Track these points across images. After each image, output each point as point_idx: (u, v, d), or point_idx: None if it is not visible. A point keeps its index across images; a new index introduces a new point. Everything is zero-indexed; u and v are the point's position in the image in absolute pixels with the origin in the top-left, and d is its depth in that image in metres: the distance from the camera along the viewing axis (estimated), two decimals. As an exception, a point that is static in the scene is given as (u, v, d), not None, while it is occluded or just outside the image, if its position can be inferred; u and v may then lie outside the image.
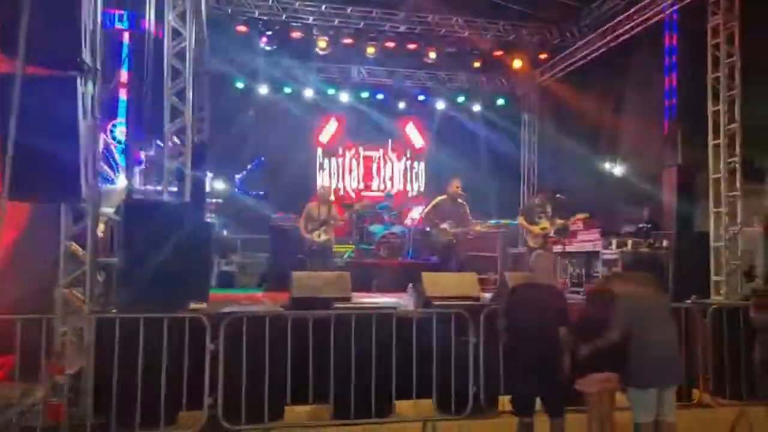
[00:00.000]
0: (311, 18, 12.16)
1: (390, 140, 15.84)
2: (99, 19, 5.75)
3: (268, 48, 12.30)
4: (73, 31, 5.17)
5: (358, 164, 15.73)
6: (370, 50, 12.51)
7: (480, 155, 15.59)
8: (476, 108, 15.61)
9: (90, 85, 5.61)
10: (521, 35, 13.10)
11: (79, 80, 5.23)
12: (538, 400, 4.93)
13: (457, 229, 9.04)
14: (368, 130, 15.44)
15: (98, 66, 5.66)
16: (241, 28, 11.98)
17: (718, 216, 9.04)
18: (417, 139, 16.08)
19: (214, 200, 12.13)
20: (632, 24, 11.46)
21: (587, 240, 11.49)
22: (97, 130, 5.95)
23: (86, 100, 5.47)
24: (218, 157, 12.55)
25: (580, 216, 9.59)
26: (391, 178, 15.87)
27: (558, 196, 9.59)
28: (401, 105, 15.40)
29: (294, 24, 12.15)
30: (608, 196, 13.70)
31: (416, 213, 14.19)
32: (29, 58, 4.85)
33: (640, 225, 11.15)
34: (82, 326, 6.00)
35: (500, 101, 15.57)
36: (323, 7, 12.11)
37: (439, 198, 9.44)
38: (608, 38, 12.21)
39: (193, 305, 7.08)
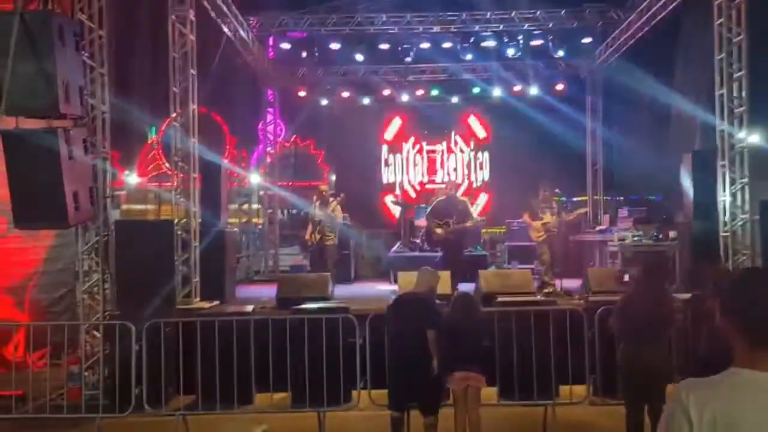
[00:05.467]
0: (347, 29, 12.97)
1: (453, 132, 16.24)
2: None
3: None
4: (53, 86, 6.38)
5: (422, 158, 16.33)
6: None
7: (543, 142, 15.55)
8: (533, 92, 15.46)
9: (78, 130, 6.96)
10: (562, 22, 12.95)
11: (60, 130, 6.55)
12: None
13: (447, 228, 9.47)
14: (430, 125, 15.99)
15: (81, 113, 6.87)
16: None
17: (724, 204, 8.64)
18: (479, 129, 16.33)
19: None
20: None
21: (623, 229, 11.37)
22: (90, 166, 7.19)
23: (72, 144, 6.74)
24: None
25: (581, 211, 9.62)
26: (455, 170, 16.27)
27: (556, 191, 9.68)
28: (459, 98, 15.67)
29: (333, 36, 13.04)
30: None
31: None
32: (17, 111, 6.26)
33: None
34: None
35: (559, 86, 15.26)
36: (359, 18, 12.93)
37: (437, 199, 9.95)
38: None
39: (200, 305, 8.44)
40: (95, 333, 7.62)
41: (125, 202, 14.20)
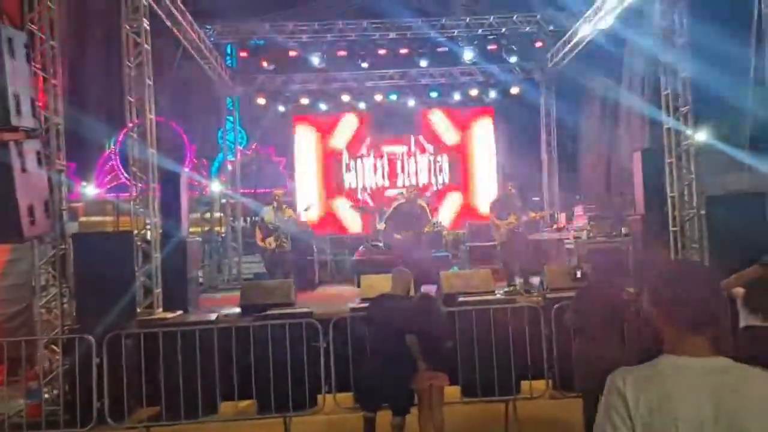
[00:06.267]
0: (305, 36, 13.04)
1: (412, 137, 16.41)
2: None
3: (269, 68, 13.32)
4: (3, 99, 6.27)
5: (382, 163, 16.45)
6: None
7: (503, 144, 15.90)
8: (492, 95, 15.75)
9: (31, 142, 6.83)
10: (513, 28, 13.25)
11: (12, 143, 6.44)
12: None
13: (408, 233, 9.60)
14: (389, 130, 16.17)
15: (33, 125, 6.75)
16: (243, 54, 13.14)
17: (672, 200, 8.96)
18: (438, 133, 16.55)
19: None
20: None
21: (578, 227, 11.65)
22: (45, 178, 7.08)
23: (26, 157, 6.63)
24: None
25: (542, 213, 9.87)
26: (416, 173, 16.44)
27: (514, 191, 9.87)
28: (417, 103, 15.88)
29: (291, 44, 13.09)
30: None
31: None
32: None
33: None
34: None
35: (514, 90, 15.57)
36: (316, 25, 13.00)
37: (397, 203, 10.06)
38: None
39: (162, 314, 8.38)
40: (54, 348, 7.50)
41: (83, 214, 13.97)
